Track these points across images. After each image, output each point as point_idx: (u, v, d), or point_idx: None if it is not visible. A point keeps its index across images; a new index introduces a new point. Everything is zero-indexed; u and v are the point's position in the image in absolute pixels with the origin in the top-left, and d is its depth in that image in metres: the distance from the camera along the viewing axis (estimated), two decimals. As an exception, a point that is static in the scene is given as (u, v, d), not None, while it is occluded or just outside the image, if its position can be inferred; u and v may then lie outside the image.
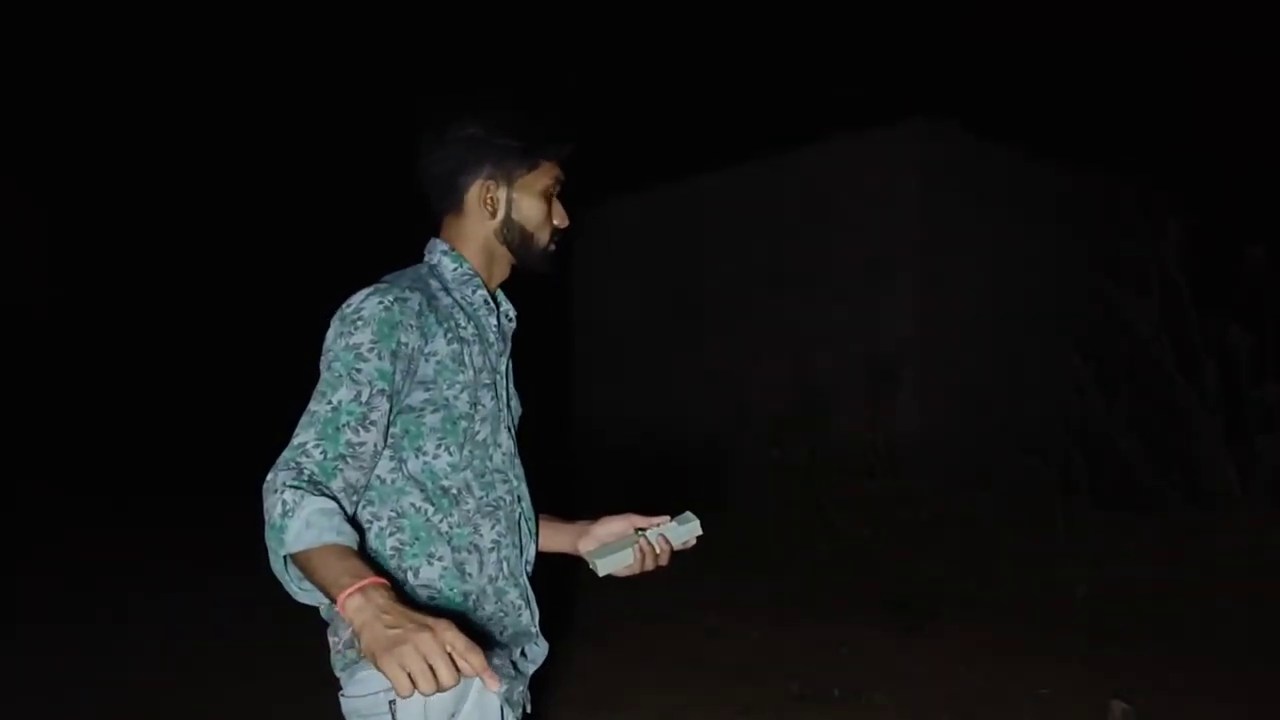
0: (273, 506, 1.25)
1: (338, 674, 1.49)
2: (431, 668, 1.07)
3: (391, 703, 1.41)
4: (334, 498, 1.30)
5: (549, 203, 1.62)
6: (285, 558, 1.23)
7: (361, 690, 1.44)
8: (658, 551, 1.61)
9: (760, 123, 12.99)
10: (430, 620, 1.12)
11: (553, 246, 1.64)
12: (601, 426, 11.20)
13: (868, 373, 8.05)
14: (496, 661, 1.46)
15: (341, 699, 1.47)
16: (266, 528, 1.24)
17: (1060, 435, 6.65)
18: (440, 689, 1.07)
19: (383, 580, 1.19)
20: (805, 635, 5.32)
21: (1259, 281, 6.21)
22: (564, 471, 10.21)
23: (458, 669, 1.09)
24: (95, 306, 15.37)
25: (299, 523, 1.22)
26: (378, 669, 1.11)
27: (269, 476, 1.29)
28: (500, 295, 1.67)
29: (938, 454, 7.93)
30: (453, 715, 1.44)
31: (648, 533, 1.62)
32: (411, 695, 1.08)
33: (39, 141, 14.89)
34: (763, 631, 5.43)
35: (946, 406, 8.30)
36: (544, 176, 1.61)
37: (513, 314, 1.68)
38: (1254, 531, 5.93)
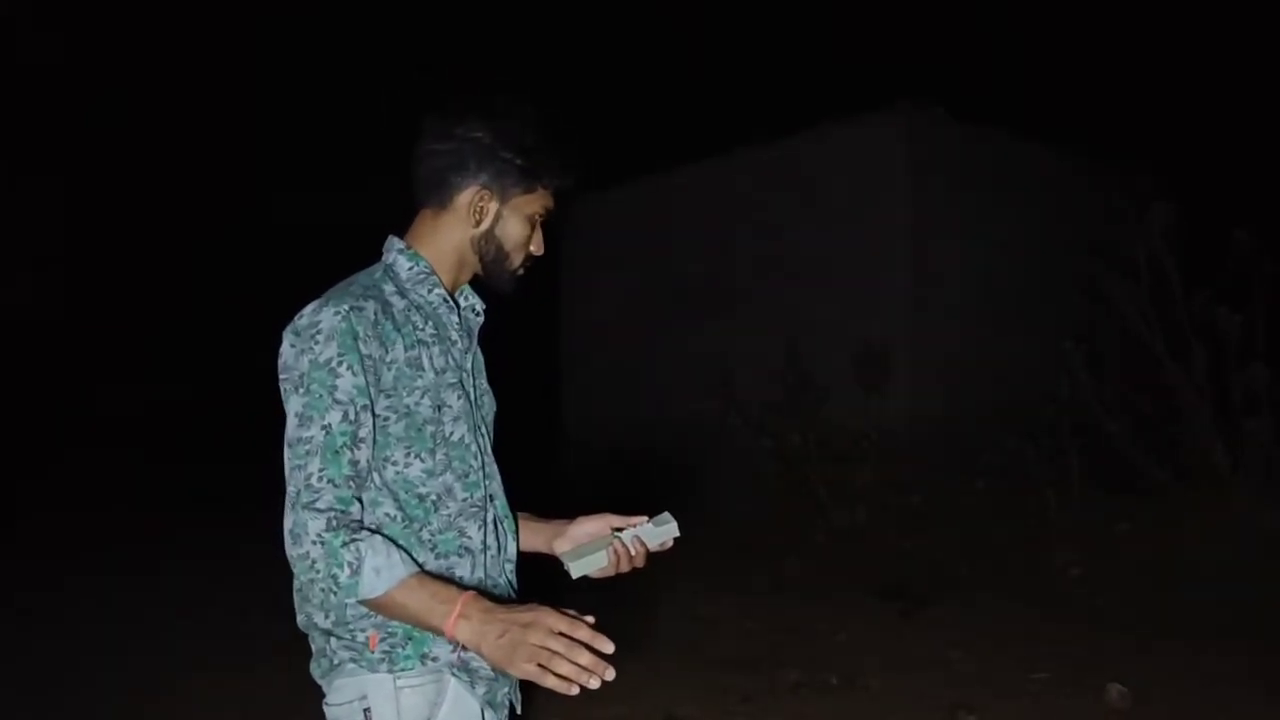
0: (326, 566, 1.30)
1: (319, 681, 1.48)
2: (553, 652, 1.23)
3: (366, 710, 1.41)
4: (368, 527, 1.37)
5: (533, 228, 1.59)
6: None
7: (339, 698, 1.44)
8: (633, 553, 1.59)
9: (747, 112, 12.99)
10: (526, 615, 1.26)
11: (521, 271, 1.62)
12: (592, 418, 11.20)
13: (859, 359, 8.06)
14: (475, 664, 1.46)
15: (325, 707, 1.47)
16: (322, 579, 1.30)
17: (1051, 419, 6.68)
18: (577, 666, 1.22)
19: (468, 593, 1.31)
20: (802, 623, 5.33)
21: (1246, 264, 6.24)
22: (553, 465, 10.21)
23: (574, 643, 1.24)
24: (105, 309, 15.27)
25: (369, 574, 1.30)
26: (514, 676, 1.34)
27: (294, 522, 1.32)
28: (467, 290, 1.63)
29: (929, 440, 7.95)
30: None
31: (623, 534, 1.59)
32: (571, 689, 1.23)
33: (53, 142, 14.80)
34: (759, 620, 5.45)
35: (937, 392, 8.33)
36: (536, 202, 1.58)
37: (480, 307, 1.65)
38: (1245, 512, 5.97)
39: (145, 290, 15.87)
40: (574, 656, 1.23)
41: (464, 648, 1.42)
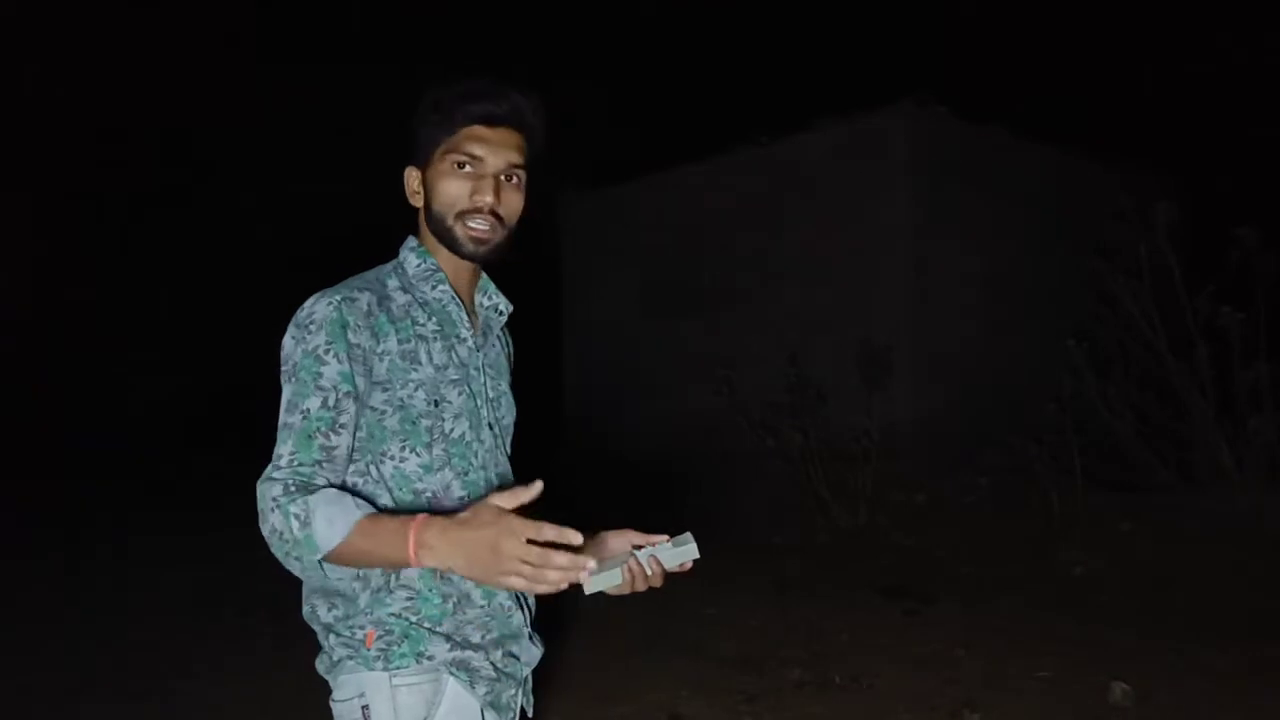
0: (282, 524, 1.28)
1: (324, 677, 1.49)
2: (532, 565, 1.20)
3: (364, 708, 1.42)
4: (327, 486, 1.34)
5: (460, 180, 1.47)
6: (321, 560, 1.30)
7: (341, 695, 1.45)
8: (648, 573, 1.56)
9: (747, 111, 12.98)
10: (488, 533, 1.20)
11: (473, 228, 1.48)
12: (593, 417, 11.20)
13: (861, 358, 8.06)
14: (475, 664, 1.45)
15: (330, 703, 1.48)
16: (285, 544, 1.29)
17: (1054, 418, 6.67)
18: (560, 570, 1.20)
19: (418, 519, 1.26)
20: (805, 622, 5.32)
21: (1249, 262, 6.23)
22: (554, 464, 10.20)
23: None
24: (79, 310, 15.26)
25: (321, 524, 1.27)
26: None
27: (258, 494, 1.32)
28: (489, 287, 1.62)
29: (932, 438, 7.94)
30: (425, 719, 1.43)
31: (640, 553, 1.57)
32: (560, 586, 1.22)
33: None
34: (763, 619, 5.44)
35: (940, 391, 8.32)
36: (450, 151, 1.48)
37: (503, 307, 1.62)
38: (1248, 510, 5.96)
39: (146, 288, 15.88)
40: (551, 561, 1.20)
41: (461, 647, 1.43)
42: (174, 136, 15.69)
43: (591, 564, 1.22)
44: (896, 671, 4.49)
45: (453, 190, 1.48)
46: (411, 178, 1.54)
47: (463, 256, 1.51)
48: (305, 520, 1.27)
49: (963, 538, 6.62)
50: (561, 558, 1.21)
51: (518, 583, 1.21)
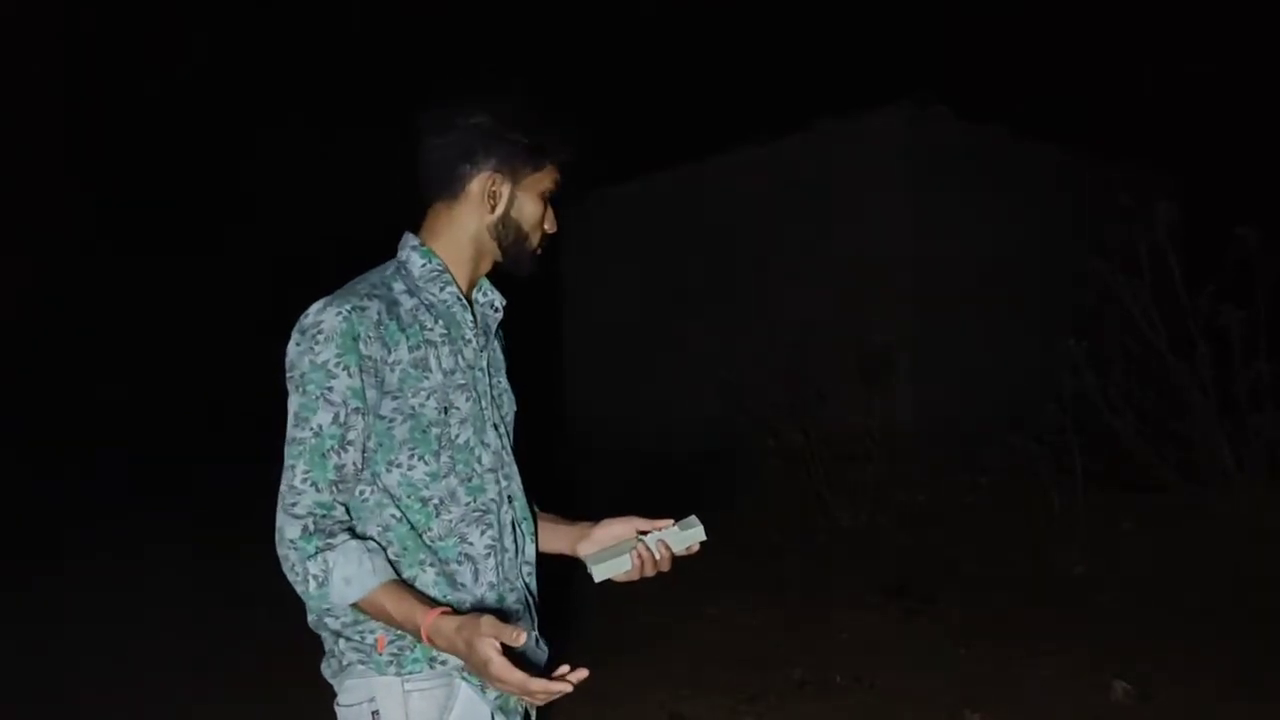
0: (300, 576, 1.34)
1: (330, 681, 1.49)
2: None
3: (375, 713, 1.42)
4: (346, 527, 1.38)
5: (545, 206, 1.59)
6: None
7: (348, 699, 1.45)
8: (657, 557, 1.57)
9: (748, 111, 12.98)
10: (476, 658, 1.25)
11: (539, 250, 1.62)
12: (595, 417, 11.20)
13: (862, 359, 8.06)
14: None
15: (336, 707, 1.48)
16: (297, 585, 1.35)
17: (1054, 417, 6.67)
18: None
19: (435, 609, 1.32)
20: (806, 622, 5.32)
21: (1250, 260, 6.23)
22: (558, 467, 10.20)
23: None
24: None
25: (338, 584, 1.33)
26: None
27: (278, 523, 1.36)
28: (486, 285, 1.63)
29: (933, 438, 7.94)
30: None
31: (647, 538, 1.57)
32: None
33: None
34: (763, 619, 5.44)
35: (940, 390, 8.31)
36: (546, 179, 1.58)
37: (499, 303, 1.63)
38: (1249, 509, 5.96)
39: (144, 288, 15.89)
40: (534, 694, 1.25)
41: None
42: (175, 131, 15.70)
43: (577, 674, 1.26)
44: (897, 671, 4.48)
45: (539, 216, 1.59)
46: (499, 184, 1.54)
47: (519, 270, 1.61)
48: (323, 581, 1.33)
49: (963, 538, 6.61)
50: (540, 695, 1.25)
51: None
